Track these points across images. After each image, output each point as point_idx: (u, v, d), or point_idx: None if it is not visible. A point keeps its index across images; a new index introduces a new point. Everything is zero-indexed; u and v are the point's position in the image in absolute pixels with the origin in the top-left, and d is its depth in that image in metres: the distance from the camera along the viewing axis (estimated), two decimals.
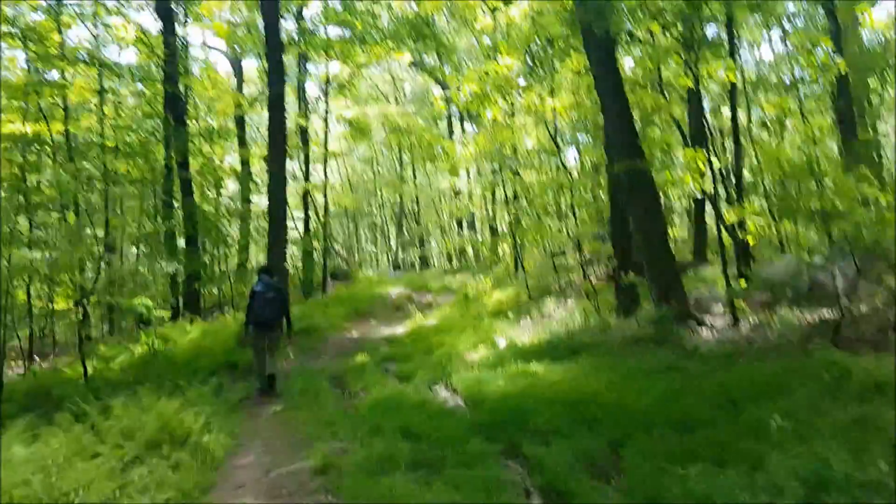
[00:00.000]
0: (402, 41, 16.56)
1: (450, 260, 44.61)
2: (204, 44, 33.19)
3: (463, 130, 36.97)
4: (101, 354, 12.57)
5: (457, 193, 35.12)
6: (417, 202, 44.10)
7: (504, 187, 22.99)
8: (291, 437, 6.84)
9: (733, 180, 11.70)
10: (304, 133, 22.45)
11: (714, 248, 16.07)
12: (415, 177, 43.47)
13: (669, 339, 8.56)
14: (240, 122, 27.16)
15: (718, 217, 9.85)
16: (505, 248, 25.98)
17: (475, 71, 9.90)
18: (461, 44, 27.32)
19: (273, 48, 14.96)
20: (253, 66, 33.53)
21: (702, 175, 10.13)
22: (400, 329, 15.96)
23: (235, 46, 29.57)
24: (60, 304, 16.85)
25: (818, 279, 9.45)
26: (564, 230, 13.58)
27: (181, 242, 17.82)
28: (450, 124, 37.97)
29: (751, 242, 10.08)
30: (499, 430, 5.83)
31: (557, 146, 13.07)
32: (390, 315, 19.79)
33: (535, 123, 12.86)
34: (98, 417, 7.37)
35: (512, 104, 12.35)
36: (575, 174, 14.59)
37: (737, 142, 11.00)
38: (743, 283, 9.79)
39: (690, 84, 10.07)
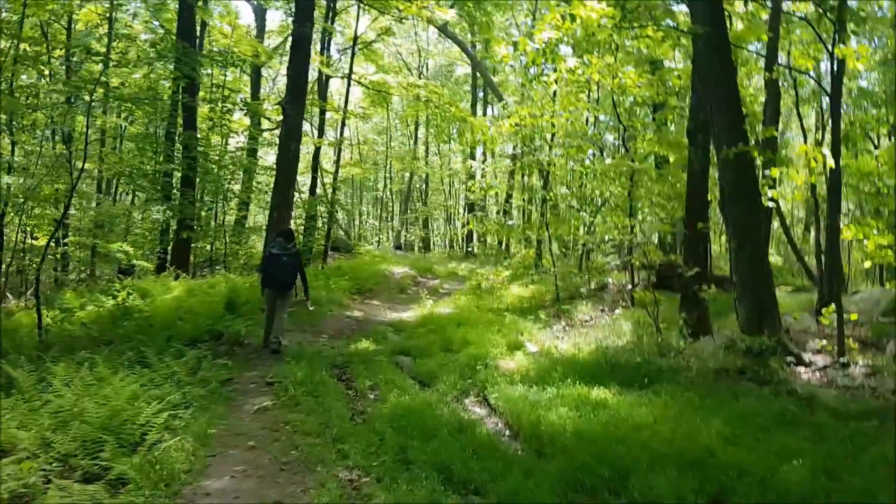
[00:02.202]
0: None
1: (451, 245, 42.88)
2: None
3: (484, 112, 35.07)
4: (65, 303, 10.70)
5: (471, 176, 33.34)
6: (427, 182, 42.32)
7: (527, 172, 21.07)
8: (284, 453, 5.05)
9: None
10: (324, 86, 20.49)
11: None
12: (427, 154, 41.65)
13: (771, 378, 6.78)
14: (256, 73, 25.28)
15: (832, 231, 8.06)
16: (515, 239, 24.13)
17: (555, 12, 7.99)
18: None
19: None
20: (277, 19, 31.47)
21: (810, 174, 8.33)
22: (407, 314, 14.20)
23: None
24: (42, 240, 14.96)
25: None
26: (610, 225, 11.77)
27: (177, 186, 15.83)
28: (473, 104, 36.02)
29: (868, 265, 8.31)
30: (586, 494, 4.06)
31: (624, 126, 11.18)
32: (394, 296, 18.05)
33: (593, 97, 10.95)
34: (31, 391, 5.60)
35: (574, 70, 10.42)
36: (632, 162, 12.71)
37: (836, 142, 9.08)
38: (854, 316, 8.05)
39: (809, 66, 8.25)
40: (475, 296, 16.22)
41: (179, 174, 14.80)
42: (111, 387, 5.68)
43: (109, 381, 5.84)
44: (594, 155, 16.24)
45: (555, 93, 16.68)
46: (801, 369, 7.33)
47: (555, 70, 9.79)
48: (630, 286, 13.48)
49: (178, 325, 9.46)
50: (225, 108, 15.09)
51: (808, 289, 13.89)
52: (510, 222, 15.67)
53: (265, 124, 24.56)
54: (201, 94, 18.98)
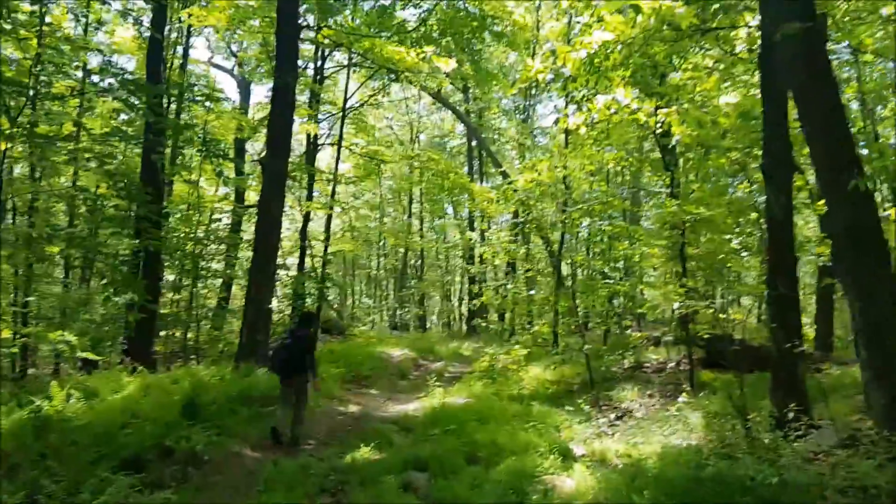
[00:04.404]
0: (454, 35, 13.23)
1: (450, 324, 40.58)
2: (210, 61, 29.24)
3: (481, 183, 33.51)
4: None
5: (471, 248, 31.49)
6: (422, 257, 40.55)
7: (541, 234, 19.09)
8: None
9: None
10: (312, 153, 18.79)
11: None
12: (422, 228, 40.09)
13: None
14: (239, 149, 23.74)
15: None
16: (521, 312, 21.95)
17: (613, 4, 6.18)
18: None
19: (287, 20, 11.45)
20: (261, 94, 30.06)
21: None
22: (413, 406, 11.91)
23: (243, 64, 26.52)
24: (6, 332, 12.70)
25: None
26: (665, 292, 9.72)
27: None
28: (470, 171, 34.59)
29: None
30: None
31: (667, 167, 9.27)
32: (395, 383, 15.74)
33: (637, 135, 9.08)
34: None
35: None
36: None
37: None
38: None
39: None
40: (489, 380, 13.95)
41: (136, 243, 12.60)
42: None
43: None
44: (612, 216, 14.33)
45: (567, 141, 14.93)
46: None
47: (585, 102, 7.92)
48: (682, 365, 11.36)
49: (120, 437, 7.20)
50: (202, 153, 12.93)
51: None
52: (531, 291, 13.67)
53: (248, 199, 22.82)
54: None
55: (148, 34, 14.57)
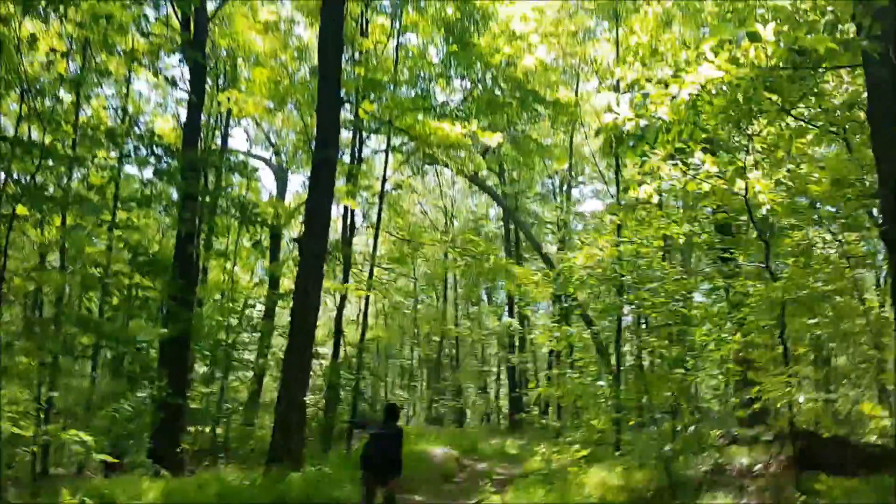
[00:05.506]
0: (494, 115, 12.70)
1: (488, 418, 38.66)
2: (248, 152, 29.36)
3: (518, 264, 32.55)
4: None
5: (510, 336, 30.24)
6: (457, 346, 39.19)
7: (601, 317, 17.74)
8: None
9: None
10: (348, 236, 18.05)
11: None
12: (457, 314, 38.94)
13: None
14: (274, 236, 23.31)
15: None
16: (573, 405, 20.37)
17: (723, 31, 5.17)
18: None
19: (328, 92, 10.90)
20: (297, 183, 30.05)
21: None
22: None
23: (280, 152, 26.59)
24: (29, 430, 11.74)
25: None
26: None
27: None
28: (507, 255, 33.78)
29: None
30: None
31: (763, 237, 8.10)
32: (440, 488, 14.20)
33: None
34: None
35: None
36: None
37: None
38: None
39: None
40: (547, 484, 12.44)
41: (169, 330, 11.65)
42: None
43: None
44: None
45: (619, 226, 13.89)
46: None
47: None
48: (771, 467, 9.81)
49: None
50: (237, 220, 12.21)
51: None
52: (600, 382, 12.36)
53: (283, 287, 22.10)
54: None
55: (185, 120, 14.33)
